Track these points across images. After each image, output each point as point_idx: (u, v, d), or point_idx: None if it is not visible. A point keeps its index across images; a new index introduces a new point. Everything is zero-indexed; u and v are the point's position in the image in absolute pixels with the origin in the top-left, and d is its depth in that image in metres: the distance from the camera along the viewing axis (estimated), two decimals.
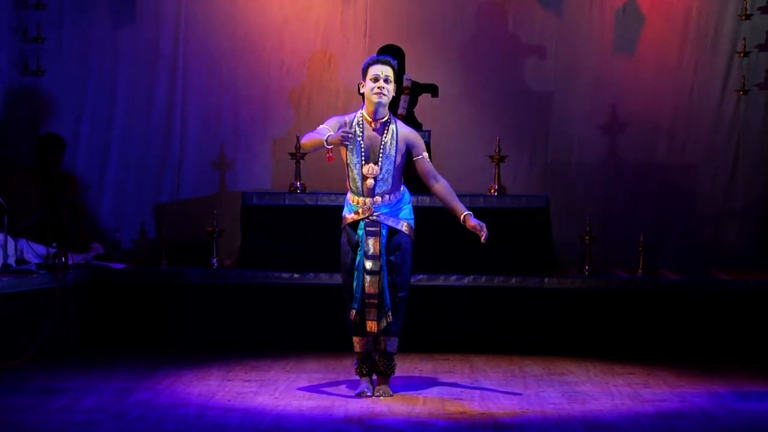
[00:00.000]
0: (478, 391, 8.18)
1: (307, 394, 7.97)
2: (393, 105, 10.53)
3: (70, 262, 9.94)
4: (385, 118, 7.90)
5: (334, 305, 10.00)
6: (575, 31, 11.60)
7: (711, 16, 11.46)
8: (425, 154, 7.95)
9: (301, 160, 10.63)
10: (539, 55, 11.64)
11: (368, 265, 7.79)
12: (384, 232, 7.83)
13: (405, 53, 10.82)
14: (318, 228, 10.22)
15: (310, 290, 10.09)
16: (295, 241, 10.21)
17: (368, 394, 7.90)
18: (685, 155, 11.48)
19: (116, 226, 11.31)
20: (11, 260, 9.76)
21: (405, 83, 10.66)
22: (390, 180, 7.83)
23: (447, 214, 10.13)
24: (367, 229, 7.82)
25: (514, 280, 10.02)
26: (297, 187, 10.52)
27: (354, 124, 7.89)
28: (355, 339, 7.97)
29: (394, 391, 8.00)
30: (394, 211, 7.89)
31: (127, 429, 6.98)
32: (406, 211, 7.96)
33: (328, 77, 11.73)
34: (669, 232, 11.35)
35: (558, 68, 11.63)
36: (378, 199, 7.84)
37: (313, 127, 11.23)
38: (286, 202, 10.32)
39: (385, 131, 7.87)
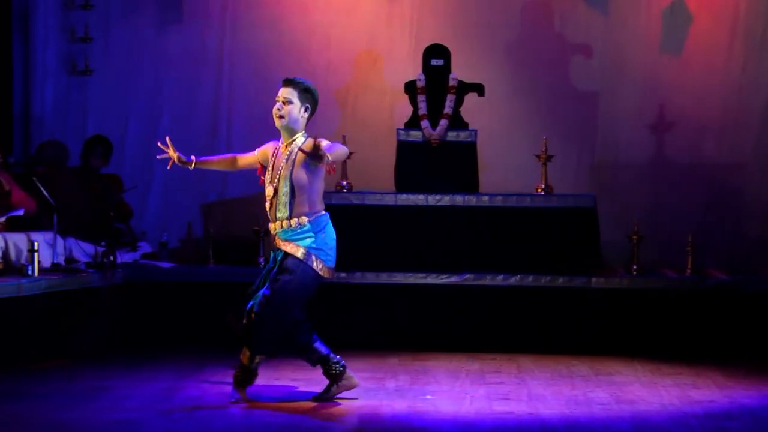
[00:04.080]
0: (525, 391, 8.15)
1: (354, 393, 7.95)
2: (438, 104, 10.61)
3: (118, 261, 10.00)
4: (293, 140, 7.57)
5: (381, 305, 10.04)
6: (622, 31, 11.55)
7: (759, 15, 11.38)
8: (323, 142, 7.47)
9: (347, 160, 10.62)
10: (585, 55, 11.59)
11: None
12: (279, 257, 7.52)
13: (451, 52, 10.81)
14: (364, 227, 10.22)
15: (356, 289, 10.09)
16: (341, 240, 10.18)
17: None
18: (733, 154, 11.40)
19: (163, 226, 11.34)
20: (60, 259, 9.82)
21: (451, 83, 10.65)
22: (288, 206, 7.49)
23: (493, 213, 10.19)
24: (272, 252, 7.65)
25: (561, 279, 9.98)
26: (344, 187, 10.52)
27: (274, 150, 7.66)
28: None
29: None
30: (296, 238, 7.51)
31: (174, 428, 6.99)
32: (311, 240, 7.52)
33: (374, 77, 11.73)
34: (717, 231, 11.25)
35: (604, 67, 11.58)
36: (278, 225, 7.53)
37: (359, 127, 11.41)
38: (333, 202, 10.31)
39: (288, 152, 7.56)
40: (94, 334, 9.55)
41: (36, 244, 9.28)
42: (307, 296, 7.61)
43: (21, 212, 9.75)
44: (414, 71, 10.91)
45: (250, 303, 7.52)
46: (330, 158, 7.39)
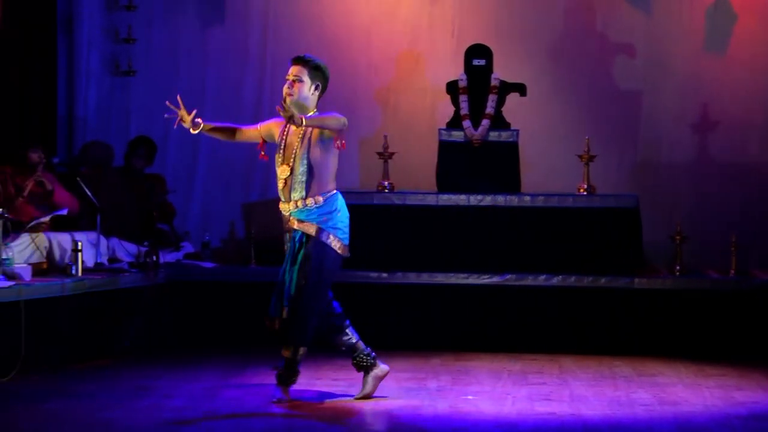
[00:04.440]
0: (567, 392, 8.12)
1: (395, 393, 7.96)
2: (480, 104, 10.60)
3: (161, 260, 10.04)
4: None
5: (421, 305, 10.03)
6: (665, 30, 11.48)
7: None
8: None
9: (389, 160, 10.64)
10: (628, 54, 11.54)
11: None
12: (296, 239, 7.50)
13: (493, 52, 10.79)
14: (405, 227, 10.22)
15: (397, 290, 10.09)
16: (383, 240, 10.21)
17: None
18: None
19: (206, 226, 11.39)
20: (104, 259, 9.88)
21: (493, 83, 10.64)
22: (304, 185, 7.45)
23: (535, 213, 10.17)
24: (286, 234, 7.59)
25: (603, 280, 9.94)
26: (385, 187, 10.53)
27: (283, 127, 7.61)
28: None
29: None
30: (313, 217, 7.49)
31: (216, 428, 7.01)
32: (328, 220, 7.50)
33: (415, 77, 11.72)
34: (761, 231, 11.16)
35: (647, 67, 11.52)
36: (293, 205, 7.49)
37: (401, 127, 11.41)
38: (374, 202, 10.34)
39: (302, 131, 7.49)
40: (137, 334, 9.59)
41: (80, 243, 9.34)
42: (333, 278, 7.62)
43: (64, 211, 9.81)
44: (456, 71, 10.90)
45: (285, 297, 7.50)
46: (305, 122, 7.32)
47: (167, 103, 7.64)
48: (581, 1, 11.58)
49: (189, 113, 7.64)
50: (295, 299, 7.45)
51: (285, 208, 7.57)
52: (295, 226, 7.53)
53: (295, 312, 7.46)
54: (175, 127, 7.73)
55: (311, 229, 7.49)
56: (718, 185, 11.34)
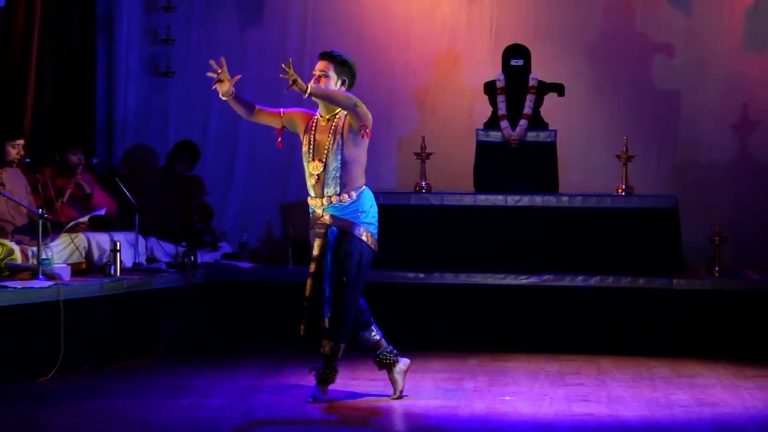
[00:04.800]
0: (605, 393, 8.10)
1: (432, 393, 7.96)
2: (518, 104, 10.58)
3: (198, 260, 10.08)
4: (335, 113, 7.51)
5: (459, 305, 10.02)
6: (704, 29, 11.43)
7: None
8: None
9: (426, 160, 10.64)
10: (667, 54, 11.49)
11: (311, 267, 7.51)
12: (331, 235, 7.45)
13: (531, 52, 10.76)
14: (443, 227, 10.22)
15: (435, 290, 10.08)
16: (420, 240, 10.21)
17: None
18: None
19: (244, 226, 11.41)
20: (142, 259, 9.92)
21: (531, 83, 10.62)
22: (339, 180, 7.44)
23: (573, 214, 10.14)
24: (316, 230, 7.51)
25: (642, 281, 9.90)
26: (422, 187, 10.53)
27: (310, 121, 7.61)
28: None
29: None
30: (347, 213, 7.49)
31: (254, 428, 7.03)
32: (363, 215, 7.49)
33: (453, 77, 11.71)
34: None
35: (687, 66, 11.46)
36: (326, 200, 7.46)
37: (438, 127, 11.40)
38: (412, 202, 10.34)
39: (332, 126, 7.52)
40: (175, 334, 9.63)
41: (118, 244, 9.39)
42: (368, 274, 7.60)
43: (102, 211, 9.86)
44: (493, 71, 10.88)
45: (326, 295, 7.47)
46: (310, 89, 7.34)
47: (210, 61, 7.57)
48: (621, 1, 11.53)
49: (231, 78, 7.53)
50: (335, 296, 7.45)
51: (316, 203, 7.55)
52: (329, 222, 7.52)
53: (338, 311, 7.46)
54: (213, 87, 7.63)
55: (351, 227, 7.48)
56: (758, 185, 11.27)
